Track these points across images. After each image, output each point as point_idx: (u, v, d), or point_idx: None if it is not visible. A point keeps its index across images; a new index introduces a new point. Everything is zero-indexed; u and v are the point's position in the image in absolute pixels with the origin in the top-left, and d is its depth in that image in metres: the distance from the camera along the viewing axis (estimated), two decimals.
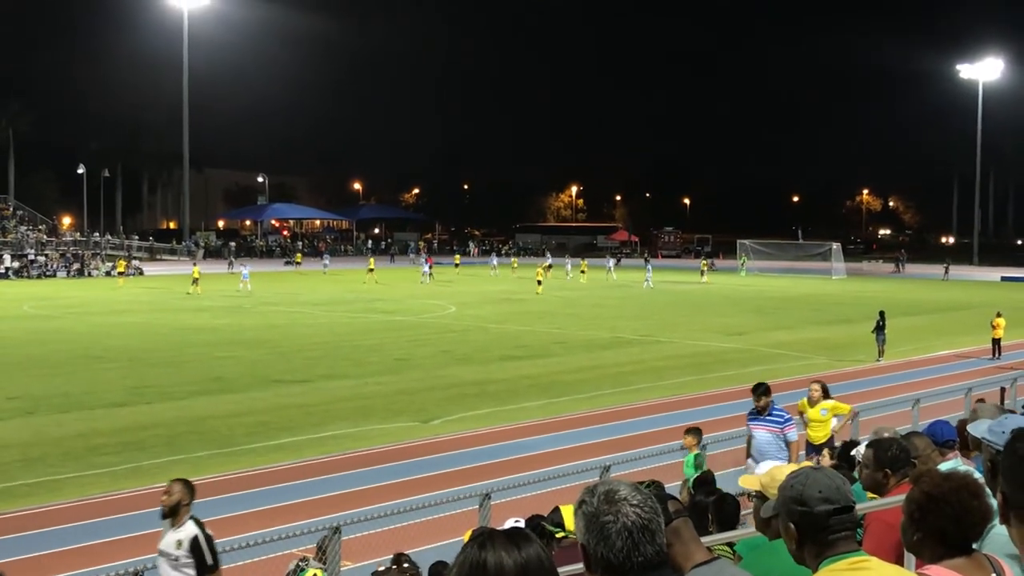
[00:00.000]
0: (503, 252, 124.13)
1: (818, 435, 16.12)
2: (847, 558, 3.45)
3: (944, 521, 3.75)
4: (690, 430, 15.08)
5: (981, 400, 12.46)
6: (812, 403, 16.38)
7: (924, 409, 20.22)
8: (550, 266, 75.12)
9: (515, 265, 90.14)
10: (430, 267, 77.58)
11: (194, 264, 69.87)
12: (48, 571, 13.00)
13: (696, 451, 14.50)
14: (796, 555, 3.61)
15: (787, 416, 14.96)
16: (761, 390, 14.98)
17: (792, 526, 3.56)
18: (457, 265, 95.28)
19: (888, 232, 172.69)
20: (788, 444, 14.64)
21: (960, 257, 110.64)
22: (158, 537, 9.97)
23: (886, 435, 7.31)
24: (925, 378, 30.69)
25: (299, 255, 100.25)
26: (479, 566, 2.79)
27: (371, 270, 76.62)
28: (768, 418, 14.79)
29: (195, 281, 61.90)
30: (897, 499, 5.48)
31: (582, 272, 79.93)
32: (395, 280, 76.08)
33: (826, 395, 16.51)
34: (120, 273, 75.27)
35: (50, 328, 41.95)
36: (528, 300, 58.26)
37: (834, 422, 16.48)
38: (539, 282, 64.37)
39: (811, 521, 3.50)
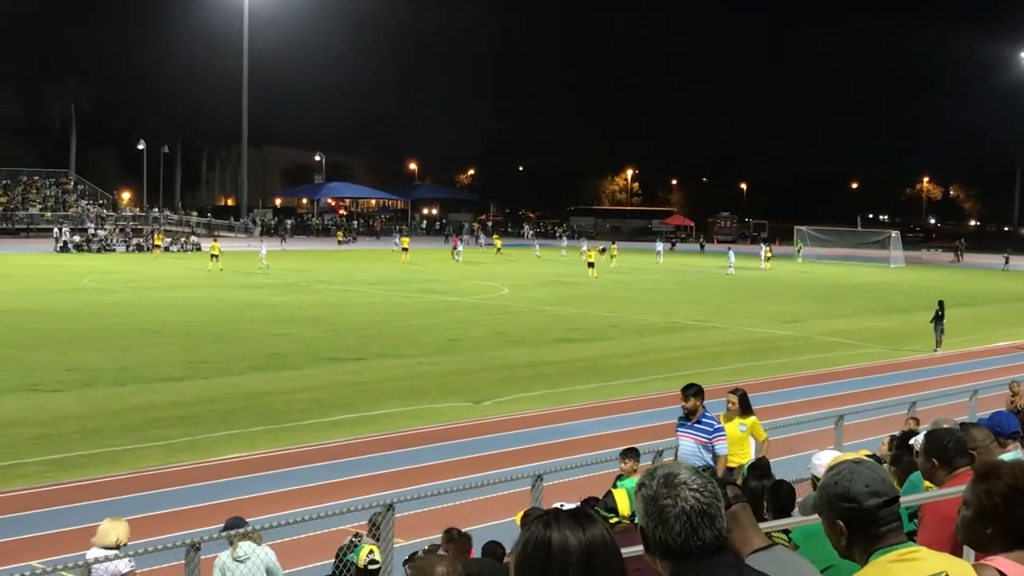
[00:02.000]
0: (558, 235, 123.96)
1: (734, 457, 13.59)
2: (896, 549, 3.40)
3: None
4: (627, 451, 12.68)
5: None
6: (729, 417, 14.11)
7: (982, 401, 19.96)
8: (603, 250, 74.44)
9: (498, 245, 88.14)
10: (454, 247, 78.40)
11: (214, 240, 70.54)
12: None
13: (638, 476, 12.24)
14: (844, 551, 3.55)
15: (717, 425, 12.96)
16: (692, 391, 12.97)
17: (841, 523, 3.50)
18: (499, 250, 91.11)
19: (978, 224, 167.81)
20: (716, 458, 12.59)
21: (1021, 247, 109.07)
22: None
23: (945, 426, 7.22)
24: (983, 369, 30.29)
25: (340, 233, 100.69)
26: (543, 545, 2.78)
27: (405, 249, 76.56)
28: (697, 426, 12.82)
29: (214, 257, 62.36)
30: (953, 491, 5.38)
31: (612, 257, 75.47)
32: (448, 260, 76.18)
33: (746, 408, 14.30)
34: (156, 246, 77.83)
35: (109, 302, 42.47)
36: (583, 283, 58.15)
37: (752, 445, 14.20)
38: (590, 264, 63.69)
39: (861, 516, 3.45)
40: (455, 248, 78.63)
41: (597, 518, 2.89)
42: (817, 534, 5.27)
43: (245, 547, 10.09)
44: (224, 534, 10.01)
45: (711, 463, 12.39)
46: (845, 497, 3.48)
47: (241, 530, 10.05)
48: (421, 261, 74.02)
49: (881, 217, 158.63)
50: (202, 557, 9.53)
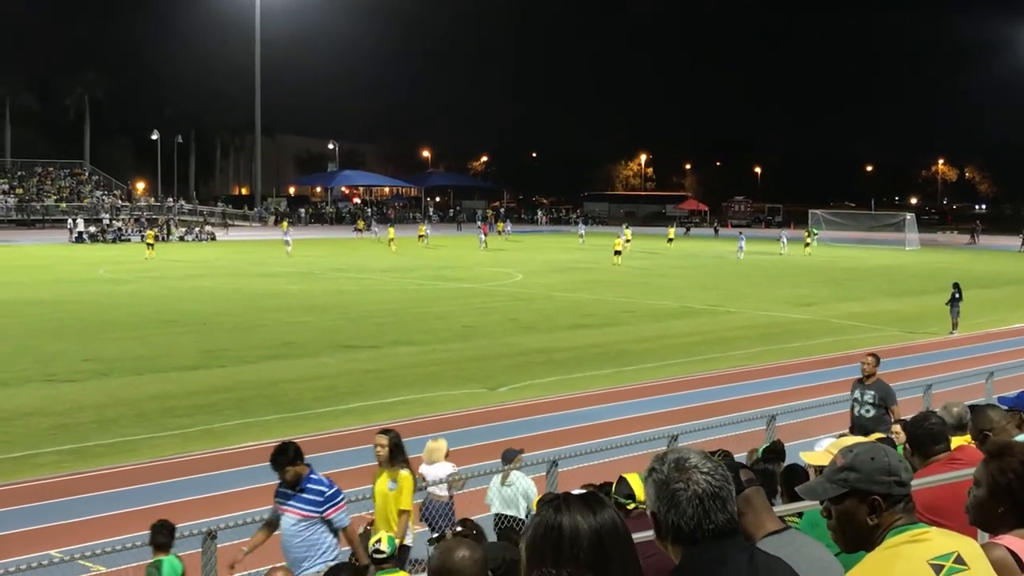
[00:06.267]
0: (572, 220, 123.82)
1: (382, 520, 10.73)
2: (909, 530, 3.39)
3: None
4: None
5: None
6: (378, 471, 10.96)
7: (998, 383, 19.89)
8: (628, 240, 73.56)
9: (500, 228, 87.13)
10: (485, 236, 78.16)
11: (149, 229, 70.54)
12: (122, 530, 13.25)
13: (168, 553, 9.79)
14: (864, 533, 3.46)
15: (330, 491, 9.82)
16: (288, 457, 9.79)
17: (879, 499, 3.43)
18: (501, 232, 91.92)
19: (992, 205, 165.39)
20: (337, 533, 9.89)
21: None
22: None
23: (955, 409, 7.17)
24: (1000, 351, 30.18)
25: (361, 222, 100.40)
26: (554, 529, 2.79)
27: (421, 236, 77.78)
28: (302, 496, 9.75)
29: (150, 246, 62.28)
30: (922, 481, 5.27)
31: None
32: (458, 247, 76.17)
33: (398, 456, 10.80)
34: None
35: (124, 292, 42.61)
36: (596, 269, 58.06)
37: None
38: (617, 252, 62.29)
39: (901, 490, 3.43)
40: (481, 236, 78.74)
41: (608, 502, 2.90)
42: (824, 522, 5.22)
43: (513, 475, 12.10)
44: (505, 468, 12.26)
45: (329, 543, 9.79)
46: (889, 471, 3.44)
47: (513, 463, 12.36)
48: (436, 246, 74.06)
49: (896, 199, 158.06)
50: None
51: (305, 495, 9.71)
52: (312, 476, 9.82)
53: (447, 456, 13.08)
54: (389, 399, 22.29)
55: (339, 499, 9.82)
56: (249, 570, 10.80)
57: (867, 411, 15.12)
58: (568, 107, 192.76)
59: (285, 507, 9.80)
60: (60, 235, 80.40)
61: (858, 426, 14.56)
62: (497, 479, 12.21)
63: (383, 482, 10.74)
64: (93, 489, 15.85)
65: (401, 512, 10.63)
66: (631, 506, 6.72)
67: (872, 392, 15.22)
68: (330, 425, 19.86)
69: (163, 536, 9.76)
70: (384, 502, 10.74)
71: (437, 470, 12.65)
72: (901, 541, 3.35)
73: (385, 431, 11.06)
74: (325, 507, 9.69)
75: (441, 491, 12.33)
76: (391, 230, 77.57)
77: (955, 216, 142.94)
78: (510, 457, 12.47)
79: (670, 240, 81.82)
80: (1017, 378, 21.99)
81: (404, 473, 10.66)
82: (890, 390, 15.39)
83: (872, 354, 15.85)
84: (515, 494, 11.96)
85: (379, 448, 10.76)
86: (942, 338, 33.04)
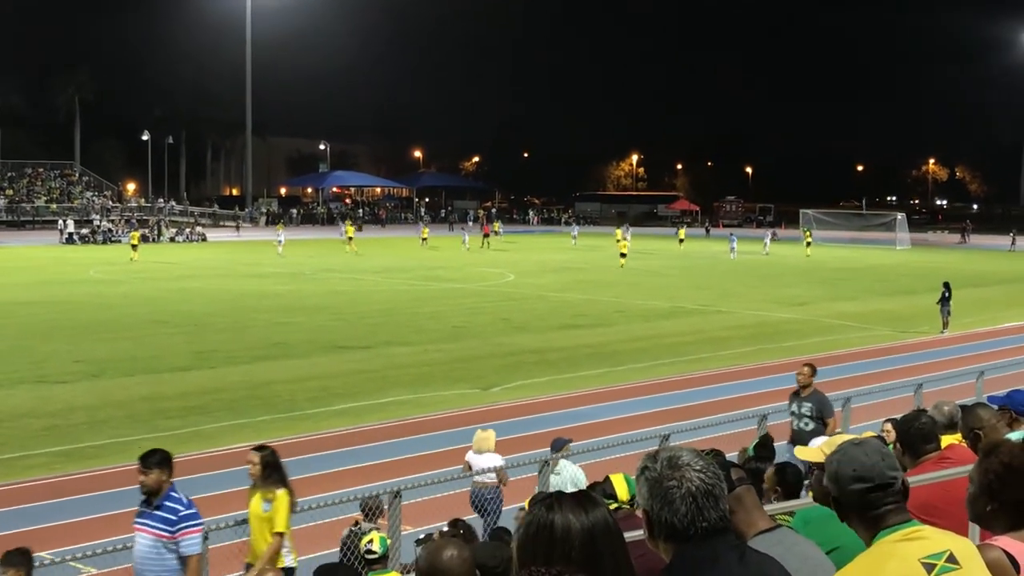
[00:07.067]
0: (564, 221, 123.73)
1: (258, 542, 9.85)
2: (900, 529, 3.41)
3: (1023, 492, 3.70)
4: (8, 556, 8.50)
5: None
6: (251, 490, 10.03)
7: (988, 381, 19.94)
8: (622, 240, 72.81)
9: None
10: (486, 235, 77.75)
11: (134, 231, 70.18)
12: (114, 532, 13.22)
13: None
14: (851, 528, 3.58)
15: (185, 511, 8.89)
16: (155, 459, 8.97)
17: (833, 501, 3.56)
18: (497, 233, 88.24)
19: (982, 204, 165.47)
20: (184, 561, 8.81)
21: None
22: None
23: (946, 408, 7.19)
24: (990, 350, 30.26)
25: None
26: (546, 528, 2.80)
27: (424, 239, 75.31)
28: (157, 513, 8.88)
29: (134, 247, 62.13)
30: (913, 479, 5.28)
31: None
32: (450, 248, 76.14)
33: (273, 474, 9.89)
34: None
35: (116, 293, 42.51)
36: (588, 269, 58.09)
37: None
38: (622, 255, 61.08)
39: (846, 499, 3.48)
40: (485, 236, 78.30)
41: (600, 501, 2.91)
42: (815, 520, 5.25)
43: (561, 464, 12.83)
44: (554, 456, 12.90)
45: (177, 566, 8.82)
46: (832, 478, 3.53)
47: (560, 453, 13.02)
48: (428, 247, 73.98)
49: (890, 199, 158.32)
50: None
51: (160, 512, 8.85)
52: (172, 494, 8.93)
53: (496, 447, 13.77)
54: (381, 399, 22.29)
55: (194, 522, 8.87)
56: (236, 573, 10.80)
57: (806, 424, 14.80)
58: (561, 108, 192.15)
59: (138, 525, 8.97)
60: (51, 236, 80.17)
61: (797, 440, 14.29)
62: (548, 467, 12.76)
63: (256, 503, 9.82)
64: (84, 490, 15.83)
65: (275, 534, 9.72)
66: (613, 506, 6.74)
67: (809, 404, 14.94)
68: (323, 426, 19.86)
69: (21, 563, 8.78)
70: (259, 524, 9.83)
71: (484, 460, 13.36)
72: (893, 540, 3.38)
73: (259, 447, 10.21)
74: (177, 527, 8.77)
75: (489, 478, 13.03)
76: (350, 228, 75.59)
77: (945, 215, 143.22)
78: (559, 446, 13.05)
79: (681, 241, 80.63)
80: (1007, 377, 22.05)
81: (279, 492, 9.73)
82: (827, 401, 15.11)
83: (808, 364, 15.62)
84: (563, 482, 12.38)
85: (251, 466, 9.87)
86: (933, 337, 33.12)
